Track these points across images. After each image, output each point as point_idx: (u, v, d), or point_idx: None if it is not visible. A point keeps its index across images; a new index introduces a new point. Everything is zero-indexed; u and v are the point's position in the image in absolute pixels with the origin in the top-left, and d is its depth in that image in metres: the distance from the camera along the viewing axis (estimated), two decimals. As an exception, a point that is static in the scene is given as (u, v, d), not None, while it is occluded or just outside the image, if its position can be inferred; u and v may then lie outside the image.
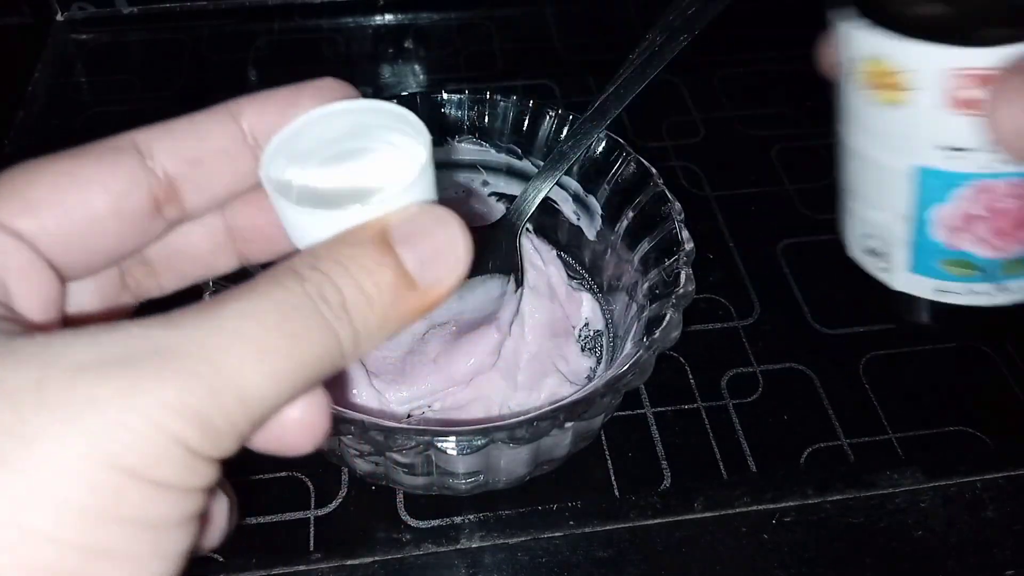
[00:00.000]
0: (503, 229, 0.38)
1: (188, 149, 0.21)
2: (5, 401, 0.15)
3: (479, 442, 0.27)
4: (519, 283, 0.37)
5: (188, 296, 0.20)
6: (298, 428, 0.20)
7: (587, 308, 0.40)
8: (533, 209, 0.37)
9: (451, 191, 0.42)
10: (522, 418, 0.27)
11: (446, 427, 0.28)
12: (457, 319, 0.38)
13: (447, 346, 0.36)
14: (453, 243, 0.20)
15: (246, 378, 0.16)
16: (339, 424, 0.27)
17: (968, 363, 0.41)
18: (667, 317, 0.30)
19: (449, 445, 0.27)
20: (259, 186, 0.20)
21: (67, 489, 0.15)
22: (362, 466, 0.33)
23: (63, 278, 0.20)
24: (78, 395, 0.15)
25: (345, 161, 0.22)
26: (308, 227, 0.20)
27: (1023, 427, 0.39)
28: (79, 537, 0.15)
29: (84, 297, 0.21)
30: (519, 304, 0.37)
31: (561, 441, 0.32)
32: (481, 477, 0.32)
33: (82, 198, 0.19)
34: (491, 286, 0.38)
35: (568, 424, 0.27)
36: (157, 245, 0.22)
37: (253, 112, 0.22)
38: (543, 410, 0.27)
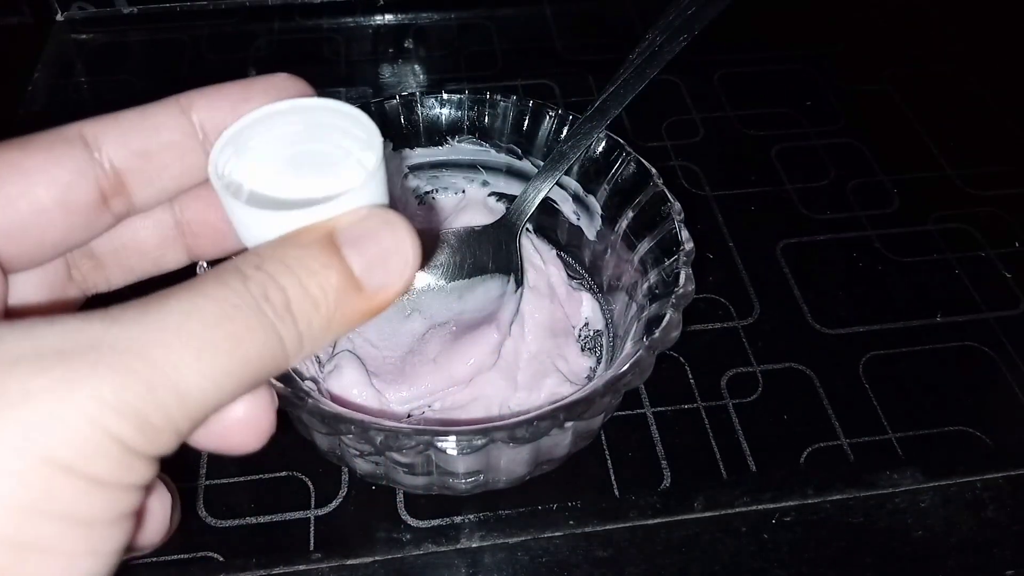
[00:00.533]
0: (503, 229, 0.38)
1: (137, 141, 0.21)
2: None
3: (479, 442, 0.27)
4: (519, 283, 0.37)
5: (137, 291, 0.20)
6: (242, 427, 0.19)
7: (587, 308, 0.40)
8: (533, 209, 0.37)
9: (451, 191, 0.42)
10: (522, 418, 0.27)
11: (446, 427, 0.28)
12: (457, 319, 0.38)
13: (447, 346, 0.36)
14: (401, 247, 0.19)
15: (185, 376, 0.16)
16: (339, 424, 0.27)
17: (968, 363, 0.41)
18: (667, 317, 0.30)
19: (449, 445, 0.27)
20: (209, 181, 0.20)
21: None
22: (362, 466, 0.33)
23: (5, 269, 0.20)
24: (12, 387, 0.15)
25: (295, 161, 0.21)
26: (256, 226, 0.19)
27: (1023, 427, 0.39)
28: (9, 531, 0.15)
29: (28, 289, 0.21)
30: (519, 304, 0.37)
31: (561, 441, 0.32)
32: (481, 477, 0.32)
33: (26, 188, 0.19)
34: (491, 286, 0.38)
35: (568, 424, 0.27)
36: (104, 239, 0.22)
37: (204, 106, 0.21)
38: (543, 410, 0.27)
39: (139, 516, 0.19)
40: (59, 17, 0.61)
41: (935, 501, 0.36)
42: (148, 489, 0.18)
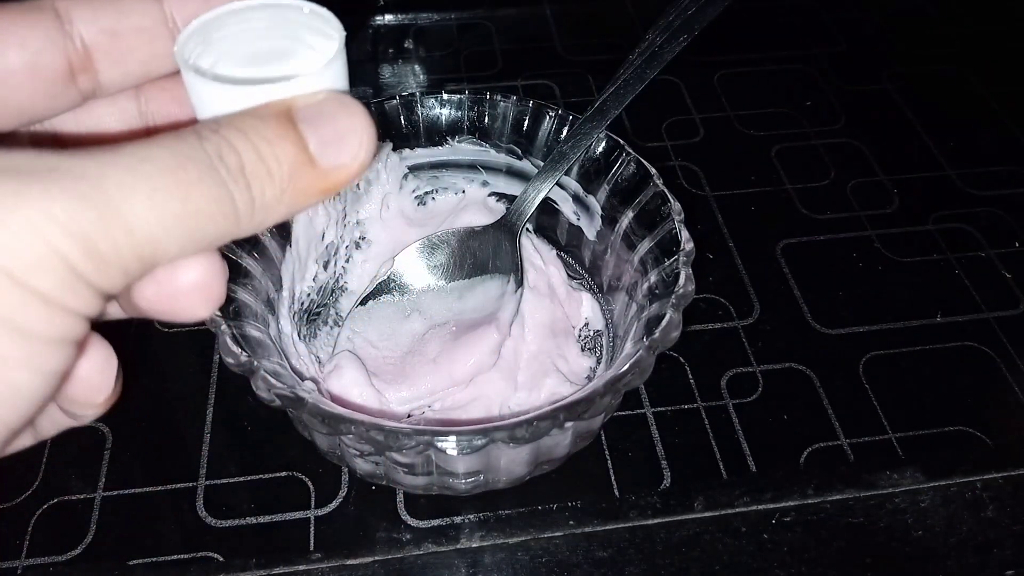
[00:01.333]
0: (503, 229, 0.38)
1: (107, 21, 0.21)
2: None
3: (479, 442, 0.27)
4: (519, 283, 0.37)
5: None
6: (193, 291, 0.20)
7: (587, 308, 0.40)
8: (533, 209, 0.37)
9: (451, 191, 0.42)
10: (522, 418, 0.27)
11: (446, 427, 0.28)
12: (457, 319, 0.38)
13: (447, 346, 0.36)
14: (356, 128, 0.20)
15: (137, 212, 0.16)
16: (339, 424, 0.27)
17: (968, 363, 0.41)
18: (667, 317, 0.30)
19: (449, 445, 0.27)
20: (176, 74, 0.21)
21: None
22: (362, 466, 0.33)
23: None
24: None
25: (258, 54, 0.22)
26: (216, 102, 0.20)
27: (1023, 427, 0.39)
28: None
29: None
30: (519, 304, 0.37)
31: (561, 441, 0.32)
32: (481, 477, 0.32)
33: None
34: (491, 286, 0.38)
35: (568, 424, 0.27)
36: (69, 122, 0.23)
37: None
38: (543, 410, 0.27)
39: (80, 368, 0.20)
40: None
41: (935, 501, 0.36)
42: (91, 341, 0.19)
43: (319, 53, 0.21)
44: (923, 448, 0.38)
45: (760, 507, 0.35)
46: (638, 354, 0.29)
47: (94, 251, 0.16)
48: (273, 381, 0.28)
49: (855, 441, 0.38)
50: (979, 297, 0.44)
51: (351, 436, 0.27)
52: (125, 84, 0.22)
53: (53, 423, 0.22)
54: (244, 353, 0.28)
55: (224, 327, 0.28)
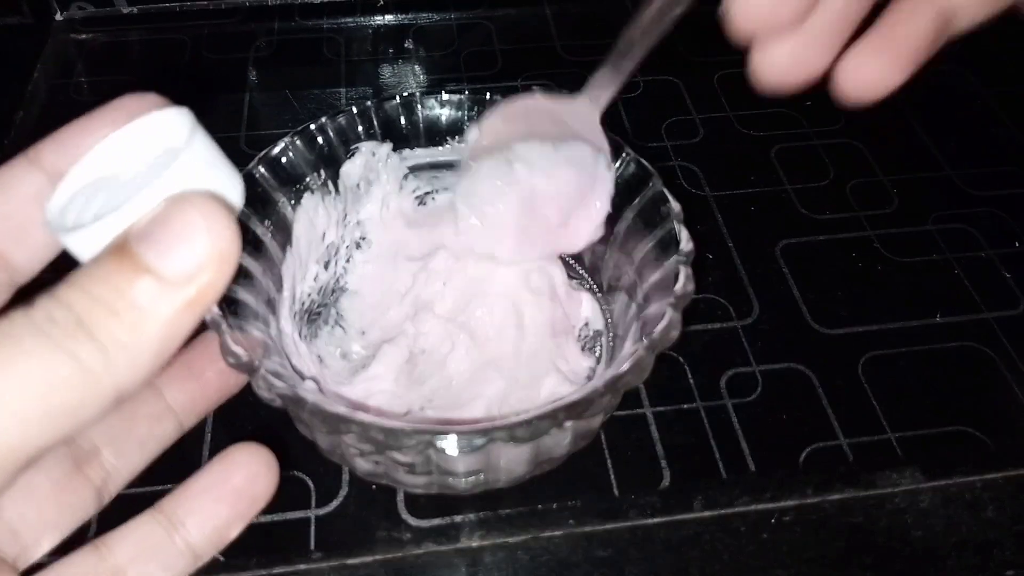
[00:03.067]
0: (583, 108, 0.36)
1: None
2: None
3: (479, 441, 0.27)
4: (610, 159, 0.35)
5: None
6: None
7: (587, 308, 0.40)
8: (612, 93, 0.35)
9: (451, 191, 0.41)
10: (522, 417, 0.27)
11: (446, 426, 0.28)
12: (557, 179, 0.35)
13: (558, 206, 0.35)
14: (193, 221, 0.17)
15: None
16: (340, 423, 0.27)
17: (968, 363, 0.41)
18: (666, 316, 0.30)
19: (449, 444, 0.27)
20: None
21: None
22: (362, 465, 0.33)
23: None
24: None
25: (126, 183, 0.21)
26: (83, 252, 0.19)
27: (1023, 427, 0.39)
28: None
29: None
30: (615, 181, 0.36)
31: (561, 440, 0.32)
32: (481, 476, 0.32)
33: None
34: (585, 151, 0.35)
35: (568, 423, 0.27)
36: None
37: (50, 153, 0.21)
38: (543, 409, 0.27)
39: None
40: (58, 17, 0.61)
41: (935, 501, 0.36)
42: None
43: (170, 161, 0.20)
44: (923, 448, 0.38)
45: (760, 507, 0.35)
46: (637, 354, 0.29)
47: None
48: (274, 381, 0.28)
49: (854, 441, 0.38)
50: (979, 297, 0.44)
51: (351, 435, 0.27)
52: (43, 261, 0.22)
53: None
54: (246, 353, 0.28)
55: (225, 327, 0.28)
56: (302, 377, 0.33)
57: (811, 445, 0.38)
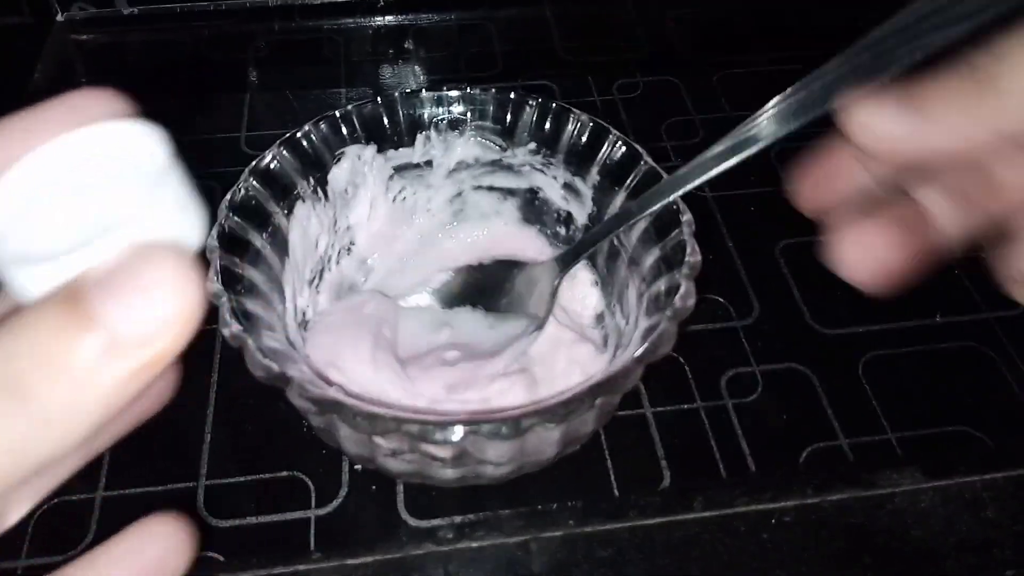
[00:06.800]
0: (549, 272, 0.38)
1: None
2: None
3: (521, 426, 0.26)
4: (539, 327, 0.37)
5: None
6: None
7: (593, 305, 0.40)
8: (580, 260, 0.37)
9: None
10: (557, 399, 0.27)
11: (480, 416, 0.28)
12: (477, 345, 0.38)
13: (456, 367, 0.37)
14: (158, 281, 0.16)
15: None
16: (376, 423, 0.26)
17: (968, 363, 0.41)
18: (683, 286, 0.30)
19: (484, 431, 0.26)
20: None
21: None
22: (394, 465, 0.32)
23: None
24: None
25: (82, 206, 0.18)
26: (27, 290, 0.17)
27: (1023, 427, 0.39)
28: None
29: None
30: (529, 346, 0.37)
31: (588, 419, 0.32)
32: (512, 465, 0.32)
33: None
34: (516, 325, 0.38)
35: (597, 401, 0.28)
36: None
37: None
38: (577, 390, 0.28)
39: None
40: (59, 17, 0.61)
41: (935, 501, 0.36)
42: None
43: (134, 191, 0.18)
44: (923, 448, 0.38)
45: (760, 507, 0.35)
46: (662, 325, 0.29)
47: None
48: (308, 387, 0.27)
49: (854, 441, 0.38)
50: (979, 297, 0.44)
51: (388, 435, 0.27)
52: None
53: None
54: (277, 365, 0.28)
55: (250, 341, 0.28)
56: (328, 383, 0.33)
57: (811, 445, 0.38)
